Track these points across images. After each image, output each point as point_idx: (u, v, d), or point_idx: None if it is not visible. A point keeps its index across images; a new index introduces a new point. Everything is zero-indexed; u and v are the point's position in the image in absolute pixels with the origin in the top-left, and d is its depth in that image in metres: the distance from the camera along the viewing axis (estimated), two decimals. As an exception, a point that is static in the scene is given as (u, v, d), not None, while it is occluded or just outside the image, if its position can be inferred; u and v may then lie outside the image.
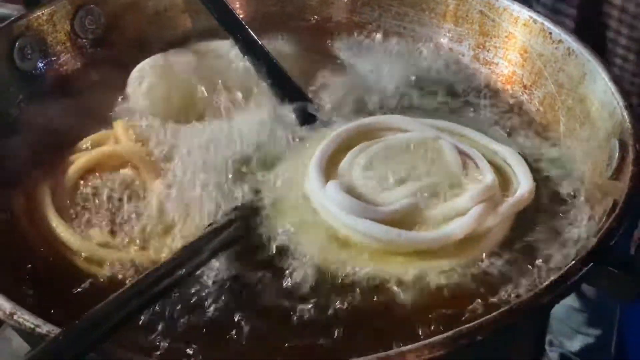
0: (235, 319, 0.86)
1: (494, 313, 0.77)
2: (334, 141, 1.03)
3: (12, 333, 1.03)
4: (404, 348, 0.72)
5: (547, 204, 0.98)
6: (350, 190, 0.96)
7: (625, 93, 0.96)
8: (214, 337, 0.84)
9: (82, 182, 1.00)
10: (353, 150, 1.01)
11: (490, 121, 1.10)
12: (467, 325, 0.74)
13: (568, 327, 1.49)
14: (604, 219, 0.86)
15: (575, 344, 1.51)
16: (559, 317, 1.33)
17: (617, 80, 0.99)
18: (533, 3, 1.33)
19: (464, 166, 0.98)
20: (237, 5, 1.15)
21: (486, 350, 0.82)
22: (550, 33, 1.09)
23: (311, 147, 1.03)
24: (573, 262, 0.80)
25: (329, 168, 1.00)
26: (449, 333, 0.72)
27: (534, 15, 1.11)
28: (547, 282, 0.80)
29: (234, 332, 0.85)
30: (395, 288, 0.89)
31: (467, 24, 1.18)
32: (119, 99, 1.11)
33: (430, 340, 0.71)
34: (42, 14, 1.12)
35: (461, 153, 1.00)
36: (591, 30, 1.31)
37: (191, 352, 0.82)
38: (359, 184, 0.97)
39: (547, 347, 1.33)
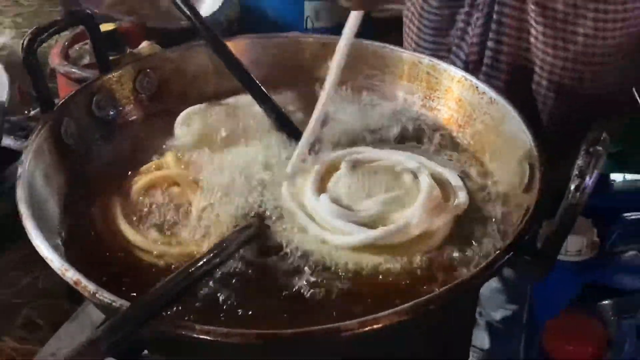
0: (254, 290, 0.87)
1: (442, 289, 0.78)
2: (324, 165, 1.02)
3: (92, 309, 1.01)
4: (378, 314, 0.71)
5: (477, 210, 0.99)
6: (336, 201, 0.96)
7: (534, 131, 0.97)
8: (240, 299, 0.84)
9: (143, 196, 1.00)
10: (337, 172, 1.01)
11: (434, 150, 1.10)
12: (423, 298, 0.74)
13: (493, 303, 1.49)
14: (519, 221, 0.86)
15: (497, 315, 1.51)
16: (486, 295, 1.32)
17: (527, 121, 0.99)
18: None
19: (416, 183, 0.98)
20: (253, 70, 1.14)
21: (437, 316, 0.82)
22: (477, 87, 1.10)
23: (307, 170, 1.02)
24: (497, 252, 0.81)
25: (321, 184, 1.00)
26: (411, 304, 0.72)
27: (466, 75, 1.12)
28: (479, 267, 0.81)
29: (252, 293, 0.86)
30: (366, 272, 0.89)
31: (417, 81, 1.18)
32: (169, 137, 1.10)
33: (396, 309, 0.71)
34: (113, 76, 1.12)
35: (414, 174, 0.99)
36: (521, 83, 1.31)
37: (226, 308, 0.83)
38: (343, 197, 0.97)
39: (477, 316, 1.32)
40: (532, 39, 1.27)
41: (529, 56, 1.29)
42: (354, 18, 0.97)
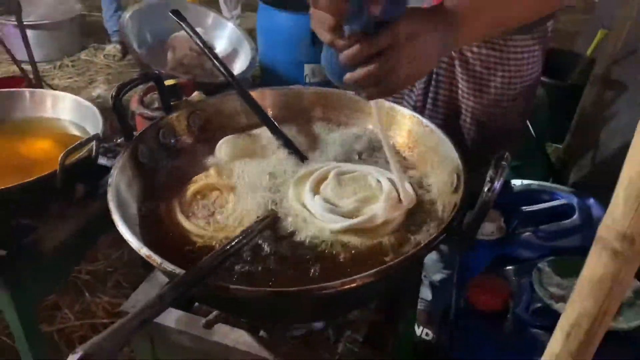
0: (270, 261, 0.87)
1: (398, 259, 0.77)
2: (317, 175, 1.02)
3: (160, 274, 1.00)
4: (353, 277, 0.71)
5: (422, 205, 0.98)
6: (326, 200, 0.95)
7: (460, 150, 0.96)
8: (262, 266, 0.85)
9: (194, 198, 0.99)
10: (326, 180, 1.00)
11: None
12: (385, 266, 0.74)
13: (433, 268, 1.48)
14: (450, 213, 0.85)
15: (437, 277, 1.50)
16: (428, 263, 1.32)
17: (455, 144, 0.99)
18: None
19: (380, 187, 0.97)
20: (269, 111, 1.14)
21: (395, 280, 0.82)
22: (422, 122, 1.09)
23: (305, 177, 1.02)
24: (436, 234, 0.80)
25: (316, 188, 0.99)
26: (376, 269, 0.72)
27: (414, 114, 1.11)
28: (423, 244, 0.80)
29: (270, 265, 0.86)
30: (347, 247, 0.88)
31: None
32: (211, 156, 1.10)
33: (366, 273, 0.71)
34: (173, 116, 1.12)
35: (378, 181, 0.99)
36: (452, 120, 1.31)
37: (252, 272, 0.84)
38: (330, 197, 0.96)
39: (423, 277, 1.31)
40: (459, 91, 1.28)
41: (457, 102, 1.29)
42: (375, 106, 0.89)
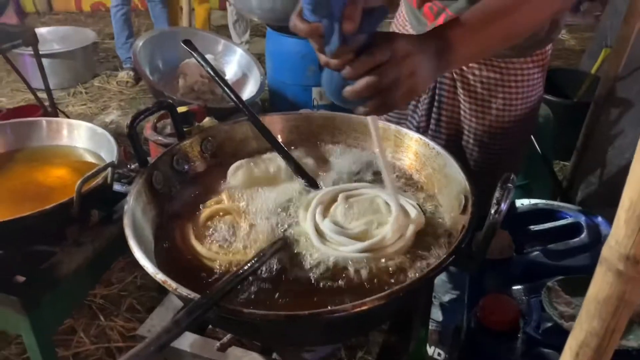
0: (283, 284, 0.87)
1: (408, 281, 0.77)
2: (327, 198, 1.03)
3: (174, 298, 1.01)
4: (364, 300, 0.71)
5: (430, 227, 0.98)
6: (336, 223, 0.96)
7: (467, 172, 0.97)
8: (275, 289, 0.86)
9: (207, 222, 1.00)
10: (336, 203, 1.01)
11: (400, 186, 1.10)
12: (394, 289, 0.74)
13: (442, 289, 1.48)
14: (459, 234, 0.86)
15: (446, 297, 1.50)
16: (437, 284, 1.32)
17: (462, 166, 1.00)
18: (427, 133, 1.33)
19: (389, 209, 0.98)
20: (278, 136, 1.15)
21: (406, 300, 0.82)
22: (429, 144, 1.10)
23: (315, 200, 1.02)
24: (445, 255, 0.81)
25: (325, 211, 1.00)
26: (387, 292, 0.72)
27: (421, 136, 1.12)
28: (433, 266, 0.80)
29: (282, 286, 0.87)
30: (353, 270, 0.89)
31: (388, 140, 1.18)
32: (224, 181, 1.11)
33: (377, 295, 0.71)
34: (186, 143, 1.14)
35: (387, 203, 1.00)
36: (455, 141, 1.32)
37: (265, 295, 0.84)
38: (339, 220, 0.97)
39: (433, 298, 1.31)
40: (461, 112, 1.29)
41: (459, 123, 1.31)
42: (371, 121, 0.90)
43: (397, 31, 1.35)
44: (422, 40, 0.82)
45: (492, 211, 0.78)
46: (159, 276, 0.78)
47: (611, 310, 0.50)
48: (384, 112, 0.83)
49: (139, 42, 3.17)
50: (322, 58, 0.80)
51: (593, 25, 4.95)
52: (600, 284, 0.50)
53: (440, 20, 1.19)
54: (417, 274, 0.87)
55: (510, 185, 0.81)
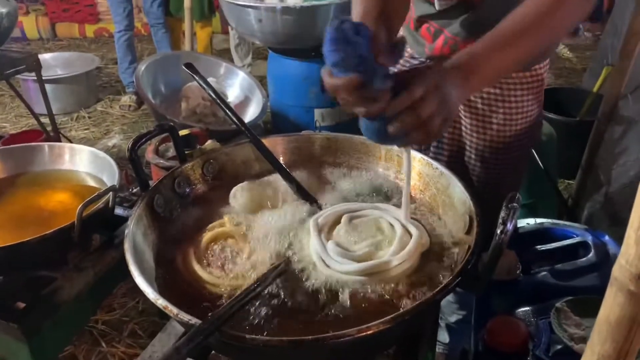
0: (285, 308, 0.86)
1: (414, 304, 0.76)
2: (330, 220, 1.02)
3: (176, 323, 1.00)
4: (369, 324, 0.70)
5: (435, 248, 0.97)
6: (339, 245, 0.95)
7: (471, 192, 0.97)
8: (277, 313, 0.84)
9: (209, 246, 0.99)
10: (339, 224, 1.00)
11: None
12: (400, 312, 0.73)
13: (449, 310, 1.46)
14: (464, 255, 0.85)
15: (452, 318, 1.48)
16: (443, 304, 1.30)
17: (466, 186, 0.99)
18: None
19: (393, 231, 0.97)
20: (281, 158, 1.15)
21: (413, 323, 0.80)
22: (432, 164, 1.09)
23: (318, 222, 1.01)
24: (451, 277, 0.80)
25: (329, 233, 0.99)
26: (391, 316, 0.71)
27: (424, 156, 1.11)
28: (439, 287, 0.79)
29: (285, 312, 0.85)
30: (360, 292, 0.87)
31: (391, 161, 1.18)
32: (225, 204, 1.10)
33: (382, 320, 0.70)
34: (187, 166, 1.13)
35: (391, 225, 0.99)
36: (457, 157, 1.32)
37: (267, 320, 0.83)
38: (343, 242, 0.96)
39: (439, 320, 1.29)
40: (463, 128, 1.29)
41: (461, 139, 1.31)
42: (406, 153, 0.96)
43: None
44: (448, 69, 0.86)
45: (498, 231, 0.77)
46: (160, 302, 0.77)
47: (624, 333, 0.49)
48: (428, 142, 0.86)
49: (142, 66, 3.19)
50: (362, 110, 0.83)
51: (593, 44, 4.98)
52: (612, 305, 0.49)
53: (439, 41, 1.19)
54: (423, 297, 0.85)
55: (515, 204, 0.80)
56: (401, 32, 1.34)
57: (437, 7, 1.14)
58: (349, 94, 0.82)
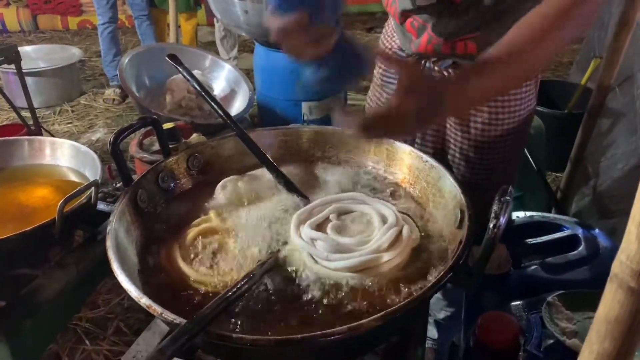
0: (274, 305, 0.84)
1: (405, 301, 0.75)
2: (320, 214, 1.00)
3: (160, 323, 0.98)
4: (361, 322, 0.68)
5: (426, 242, 0.96)
6: (329, 240, 0.93)
7: (461, 185, 0.95)
8: (265, 310, 0.83)
9: (194, 242, 0.97)
10: (328, 220, 0.98)
11: (394, 202, 1.07)
12: (390, 309, 0.72)
13: (437, 306, 1.45)
14: (455, 250, 0.83)
15: (440, 315, 1.47)
16: (432, 301, 1.29)
17: (456, 179, 0.98)
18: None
19: (382, 226, 0.95)
20: (268, 151, 1.13)
21: (403, 319, 0.79)
22: (422, 157, 1.08)
23: (307, 217, 1.00)
24: (442, 273, 0.78)
25: (318, 228, 0.97)
26: (381, 314, 0.69)
27: (413, 150, 1.10)
28: (429, 284, 0.78)
29: (273, 309, 0.83)
30: (349, 287, 0.86)
31: (380, 154, 1.16)
32: (211, 199, 1.08)
33: (373, 317, 0.68)
34: (172, 160, 1.11)
35: (381, 220, 0.97)
36: (441, 155, 1.30)
37: (256, 317, 0.81)
38: (333, 237, 0.94)
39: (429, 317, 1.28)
40: (447, 125, 1.27)
41: (445, 137, 1.29)
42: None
43: (385, 43, 1.33)
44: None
45: (491, 225, 0.76)
46: (144, 300, 0.75)
47: (624, 330, 0.47)
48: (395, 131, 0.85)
49: (125, 59, 3.14)
50: (310, 52, 0.82)
51: (579, 38, 4.99)
52: (611, 302, 0.47)
53: (424, 38, 1.16)
54: (414, 293, 0.84)
55: (508, 198, 0.78)
56: (391, 23, 1.32)
57: (417, 2, 1.12)
58: (296, 35, 0.79)
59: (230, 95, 3.40)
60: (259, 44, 3.26)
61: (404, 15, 1.18)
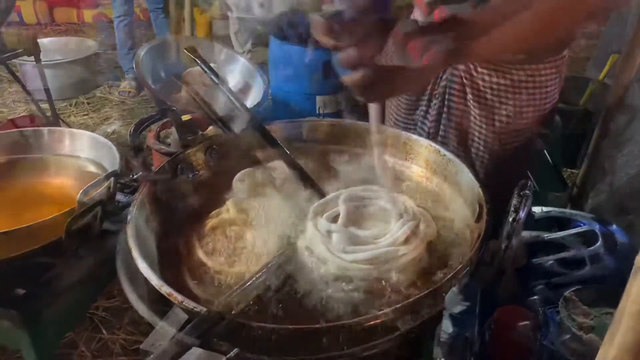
0: (290, 296, 0.86)
1: (422, 293, 0.75)
2: (334, 203, 1.00)
3: (179, 310, 0.99)
4: (377, 313, 0.69)
5: (443, 236, 0.96)
6: (345, 233, 0.93)
7: (479, 180, 0.95)
8: (282, 301, 0.84)
9: (212, 233, 0.98)
10: (344, 212, 0.99)
11: (411, 195, 1.07)
12: (408, 301, 0.72)
13: (452, 300, 1.44)
14: (474, 243, 0.83)
15: (456, 309, 1.46)
16: (448, 295, 1.28)
17: (475, 173, 0.98)
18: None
19: (400, 219, 0.95)
20: (284, 143, 1.13)
21: (420, 311, 0.79)
22: (439, 150, 1.08)
23: (323, 209, 1.00)
24: (460, 266, 0.78)
25: (334, 220, 0.97)
26: (399, 305, 0.69)
27: (431, 143, 1.10)
28: (447, 277, 0.78)
29: (290, 300, 0.85)
30: (367, 280, 0.86)
31: (397, 148, 1.16)
32: (229, 191, 1.09)
33: (388, 309, 0.68)
34: (191, 151, 1.12)
35: (399, 213, 0.97)
36: (465, 147, 1.30)
37: (272, 308, 0.82)
38: (349, 229, 0.95)
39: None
40: (471, 118, 1.27)
41: (469, 129, 1.29)
42: (372, 110, 0.93)
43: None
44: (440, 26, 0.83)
45: (510, 219, 0.76)
46: (164, 289, 0.76)
47: (647, 323, 0.47)
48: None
49: (141, 52, 3.14)
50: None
51: (596, 33, 4.93)
52: (636, 294, 0.47)
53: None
54: (430, 285, 0.84)
55: (527, 192, 0.78)
56: (417, 17, 1.31)
57: None
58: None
59: (245, 88, 3.40)
60: (274, 37, 3.25)
61: (432, 6, 1.18)
